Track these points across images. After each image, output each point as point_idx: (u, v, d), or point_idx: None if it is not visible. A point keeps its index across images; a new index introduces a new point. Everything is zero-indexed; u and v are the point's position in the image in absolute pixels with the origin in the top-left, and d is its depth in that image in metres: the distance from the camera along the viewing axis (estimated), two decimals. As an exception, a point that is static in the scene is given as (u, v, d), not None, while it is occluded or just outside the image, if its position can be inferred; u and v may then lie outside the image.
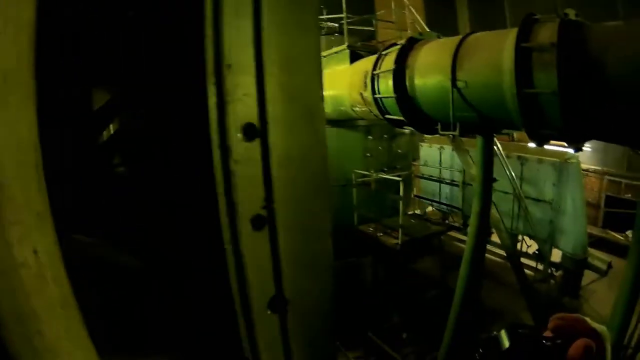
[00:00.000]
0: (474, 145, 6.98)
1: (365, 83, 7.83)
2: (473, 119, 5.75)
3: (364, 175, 10.63)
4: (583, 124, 4.34)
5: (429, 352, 9.33)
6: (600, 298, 9.86)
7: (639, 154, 5.11)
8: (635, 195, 16.86)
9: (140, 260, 1.94)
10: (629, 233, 13.70)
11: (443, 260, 11.52)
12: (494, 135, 6.90)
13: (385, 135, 11.65)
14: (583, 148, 4.88)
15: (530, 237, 10.86)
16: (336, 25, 12.42)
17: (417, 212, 13.33)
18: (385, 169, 11.42)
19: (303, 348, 1.48)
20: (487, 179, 6.94)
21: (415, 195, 13.69)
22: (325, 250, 1.46)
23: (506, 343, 0.97)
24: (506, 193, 10.51)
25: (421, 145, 13.80)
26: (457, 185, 11.61)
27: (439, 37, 7.20)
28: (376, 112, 7.90)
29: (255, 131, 1.21)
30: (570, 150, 8.90)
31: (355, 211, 10.83)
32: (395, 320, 10.86)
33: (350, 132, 11.23)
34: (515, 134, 17.15)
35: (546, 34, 4.31)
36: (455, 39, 5.87)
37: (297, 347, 1.46)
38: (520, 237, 11.30)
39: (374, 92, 7.56)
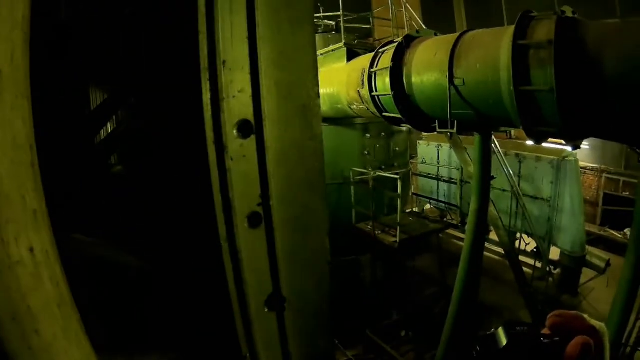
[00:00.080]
0: (472, 143, 6.98)
1: (363, 81, 7.83)
2: (470, 116, 5.75)
3: (362, 173, 10.63)
4: (580, 122, 4.34)
5: (427, 350, 9.35)
6: (599, 296, 9.88)
7: (636, 152, 5.12)
8: (634, 192, 16.87)
9: (138, 259, 1.94)
10: (627, 231, 13.74)
11: (441, 258, 11.55)
12: (492, 132, 6.90)
13: (383, 133, 11.66)
14: (581, 146, 4.88)
15: (529, 235, 10.87)
16: (333, 23, 12.43)
17: (415, 210, 13.36)
18: (383, 167, 11.44)
19: (301, 346, 1.48)
20: (485, 176, 6.94)
21: (413, 193, 13.72)
22: (323, 247, 1.46)
23: (504, 341, 0.97)
24: (504, 191, 10.53)
25: (419, 143, 13.81)
26: (455, 183, 11.64)
27: (436, 35, 7.20)
28: (374, 109, 7.90)
29: (250, 128, 1.21)
30: (568, 148, 8.92)
31: (353, 209, 10.84)
32: (394, 318, 10.89)
33: (348, 130, 11.24)
34: (513, 132, 17.16)
35: (543, 31, 4.31)
36: (452, 37, 5.86)
37: (295, 345, 1.46)
38: (518, 235, 11.30)
39: (371, 90, 7.56)
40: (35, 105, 0.80)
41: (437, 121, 6.35)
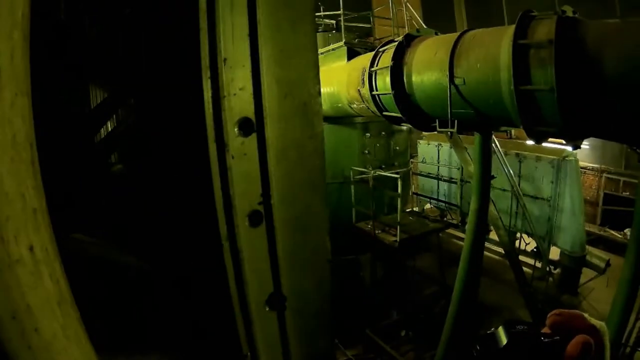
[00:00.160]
0: (472, 143, 6.98)
1: (363, 80, 7.82)
2: (471, 116, 5.74)
3: (362, 173, 10.64)
4: (581, 121, 4.34)
5: (427, 350, 9.35)
6: (599, 296, 9.89)
7: (636, 152, 5.11)
8: (634, 192, 16.87)
9: (138, 259, 1.94)
10: (627, 231, 13.74)
11: (441, 258, 11.54)
12: (492, 132, 6.90)
13: (383, 133, 11.67)
14: (581, 145, 4.87)
15: (529, 235, 10.88)
16: (333, 22, 12.43)
17: (415, 209, 13.37)
18: (383, 166, 11.45)
19: (301, 345, 1.48)
20: (485, 176, 6.94)
21: (414, 193, 13.72)
22: (323, 246, 1.46)
23: (504, 340, 0.97)
24: (504, 190, 10.54)
25: (419, 143, 13.82)
26: (455, 183, 11.65)
27: (436, 34, 7.19)
28: (374, 109, 7.90)
29: (251, 126, 1.21)
30: (569, 148, 8.94)
31: (353, 208, 10.84)
32: (394, 317, 10.88)
33: (348, 129, 11.25)
34: (513, 131, 17.17)
35: (543, 31, 4.30)
36: (453, 36, 5.86)
37: (296, 345, 1.46)
38: (518, 235, 11.31)
39: (371, 89, 7.56)
40: (35, 103, 0.79)
41: (437, 120, 6.34)
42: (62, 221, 1.30)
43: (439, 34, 7.20)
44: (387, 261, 11.20)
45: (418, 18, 12.50)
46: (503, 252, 10.41)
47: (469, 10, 23.54)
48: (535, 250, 10.84)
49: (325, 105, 9.62)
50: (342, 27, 10.75)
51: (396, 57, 6.73)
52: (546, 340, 0.95)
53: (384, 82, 7.10)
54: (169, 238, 1.80)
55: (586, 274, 10.49)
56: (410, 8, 12.35)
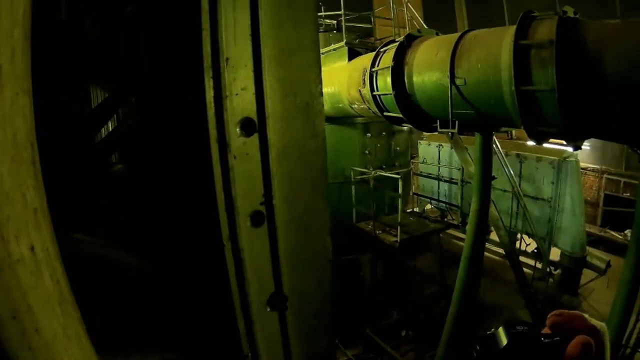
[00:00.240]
0: (473, 143, 6.98)
1: (364, 80, 7.83)
2: (471, 116, 5.74)
3: (363, 173, 10.64)
4: (581, 122, 4.34)
5: (427, 350, 9.35)
6: (599, 297, 9.88)
7: (637, 152, 5.11)
8: (634, 193, 16.88)
9: (138, 259, 1.93)
10: (627, 232, 13.73)
11: (441, 258, 11.54)
12: (493, 132, 6.90)
13: (384, 133, 11.68)
14: (582, 146, 4.87)
15: (529, 236, 10.86)
16: (334, 22, 12.43)
17: (416, 209, 13.36)
18: (384, 167, 11.46)
19: (302, 345, 1.47)
20: (486, 176, 6.94)
21: (414, 193, 13.72)
22: (324, 246, 1.45)
23: (504, 340, 0.96)
24: (505, 191, 10.53)
25: (420, 143, 13.81)
26: (455, 183, 11.63)
27: (437, 34, 7.20)
28: (375, 109, 7.90)
29: (253, 126, 1.20)
30: (569, 149, 8.93)
31: (353, 208, 10.85)
32: (394, 317, 10.89)
33: (349, 130, 11.25)
34: (514, 132, 17.18)
35: (544, 31, 4.31)
36: (454, 36, 5.86)
37: (296, 345, 1.46)
38: (518, 236, 11.30)
39: (372, 89, 7.56)
40: (36, 103, 0.79)
41: (438, 121, 6.34)
42: (63, 221, 1.30)
43: (439, 34, 7.20)
44: (387, 261, 11.20)
45: (419, 18, 12.52)
46: (503, 252, 10.41)
47: (469, 10, 23.55)
48: (535, 251, 10.83)
49: (326, 106, 9.62)
50: (343, 27, 10.76)
51: (397, 58, 6.74)
52: (546, 340, 0.94)
53: (384, 82, 7.10)
54: (170, 238, 1.80)
55: (586, 274, 10.47)
56: (411, 8, 12.37)
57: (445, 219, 12.23)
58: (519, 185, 10.42)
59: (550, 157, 10.09)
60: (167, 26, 1.51)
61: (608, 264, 10.11)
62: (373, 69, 7.48)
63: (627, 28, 3.96)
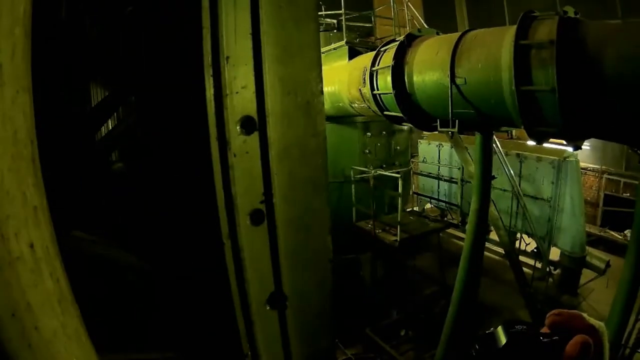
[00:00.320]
0: (473, 143, 6.98)
1: (364, 79, 7.83)
2: (472, 116, 5.74)
3: (363, 172, 10.64)
4: (581, 122, 4.34)
5: (427, 350, 9.35)
6: (599, 297, 9.88)
7: (637, 153, 5.11)
8: (634, 194, 16.88)
9: (138, 257, 1.93)
10: (627, 232, 13.74)
11: (441, 258, 11.54)
12: (493, 132, 6.90)
13: (384, 132, 11.68)
14: (582, 146, 4.87)
15: (529, 235, 10.87)
16: (334, 21, 12.42)
17: (416, 209, 13.37)
18: (384, 166, 11.46)
19: (302, 344, 1.47)
20: (486, 176, 6.94)
21: (414, 192, 13.72)
22: (325, 245, 1.45)
23: (503, 340, 0.96)
24: (505, 191, 10.53)
25: (420, 142, 13.82)
26: (455, 183, 11.65)
27: (437, 34, 7.19)
28: (375, 108, 7.90)
29: (253, 124, 1.20)
30: (569, 149, 8.93)
31: (353, 207, 10.85)
32: (394, 317, 10.88)
33: (349, 129, 11.25)
34: (514, 132, 17.19)
35: (545, 31, 4.30)
36: (454, 36, 5.86)
37: (296, 344, 1.45)
38: (518, 235, 11.30)
39: (372, 89, 7.56)
40: (36, 101, 0.79)
41: (438, 120, 6.34)
42: (63, 219, 1.29)
43: (440, 33, 7.20)
44: (387, 260, 11.20)
45: (419, 18, 12.52)
46: (503, 252, 10.41)
47: (470, 10, 23.54)
48: (535, 250, 10.83)
49: (327, 105, 9.61)
50: (344, 26, 10.75)
51: (397, 57, 6.73)
52: (545, 340, 0.94)
53: (385, 81, 7.10)
54: (170, 236, 1.80)
55: (586, 274, 10.48)
56: (412, 8, 12.37)
57: (445, 218, 12.25)
58: (519, 185, 10.42)
59: (551, 157, 10.09)
60: (167, 25, 1.51)
61: (608, 264, 10.11)
62: (373, 68, 7.47)
63: (627, 28, 3.96)
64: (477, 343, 1.01)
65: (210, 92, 1.14)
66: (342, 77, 9.19)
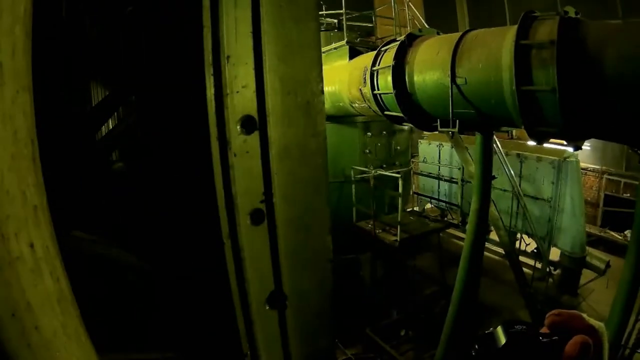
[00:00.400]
0: (473, 143, 6.98)
1: (365, 79, 7.82)
2: (472, 116, 5.74)
3: (363, 172, 10.64)
4: (582, 122, 4.34)
5: (426, 350, 9.35)
6: (598, 297, 9.88)
7: (637, 153, 5.10)
8: (634, 194, 16.88)
9: (138, 257, 1.93)
10: (627, 232, 13.73)
11: (441, 258, 11.53)
12: (493, 132, 6.90)
13: (384, 132, 11.67)
14: (582, 146, 4.87)
15: (529, 235, 10.86)
16: (335, 21, 12.42)
17: (416, 209, 13.37)
18: (384, 166, 11.45)
19: (302, 344, 1.47)
20: (486, 176, 6.94)
21: (414, 192, 13.72)
22: (325, 245, 1.45)
23: (502, 340, 0.96)
24: (505, 191, 10.52)
25: (420, 142, 13.81)
26: (455, 183, 11.63)
27: (438, 34, 7.19)
28: (375, 108, 7.90)
29: (254, 124, 1.20)
30: (569, 149, 8.93)
31: (354, 207, 10.85)
32: (394, 317, 10.88)
33: (349, 129, 11.25)
34: (515, 132, 17.18)
35: (545, 31, 4.30)
36: (455, 36, 5.85)
37: (296, 343, 1.45)
38: (518, 235, 11.30)
39: (373, 88, 7.56)
40: (37, 101, 0.79)
41: (438, 120, 6.33)
42: (63, 219, 1.29)
43: (440, 33, 7.19)
44: (387, 260, 11.20)
45: (420, 17, 12.53)
46: (503, 252, 10.40)
47: (471, 10, 23.54)
48: (535, 250, 10.82)
49: (327, 104, 9.60)
50: (344, 26, 10.74)
51: (398, 57, 6.73)
52: (545, 340, 0.94)
53: (385, 81, 7.09)
54: (170, 236, 1.80)
55: (586, 275, 10.48)
56: (412, 7, 12.37)
57: (445, 218, 12.24)
58: (519, 185, 10.41)
59: (551, 157, 10.09)
60: (167, 24, 1.51)
61: (608, 265, 10.11)
62: (374, 68, 7.47)
63: (628, 28, 3.96)
64: (477, 343, 1.00)
65: (210, 91, 1.14)
66: (342, 76, 9.18)
